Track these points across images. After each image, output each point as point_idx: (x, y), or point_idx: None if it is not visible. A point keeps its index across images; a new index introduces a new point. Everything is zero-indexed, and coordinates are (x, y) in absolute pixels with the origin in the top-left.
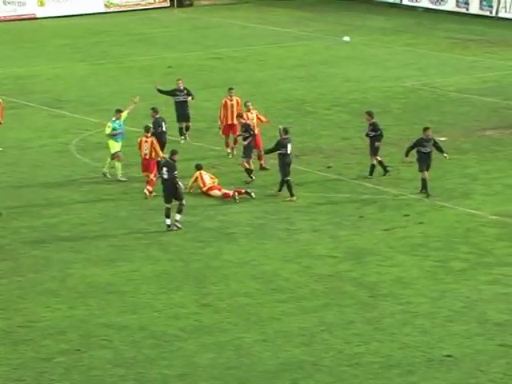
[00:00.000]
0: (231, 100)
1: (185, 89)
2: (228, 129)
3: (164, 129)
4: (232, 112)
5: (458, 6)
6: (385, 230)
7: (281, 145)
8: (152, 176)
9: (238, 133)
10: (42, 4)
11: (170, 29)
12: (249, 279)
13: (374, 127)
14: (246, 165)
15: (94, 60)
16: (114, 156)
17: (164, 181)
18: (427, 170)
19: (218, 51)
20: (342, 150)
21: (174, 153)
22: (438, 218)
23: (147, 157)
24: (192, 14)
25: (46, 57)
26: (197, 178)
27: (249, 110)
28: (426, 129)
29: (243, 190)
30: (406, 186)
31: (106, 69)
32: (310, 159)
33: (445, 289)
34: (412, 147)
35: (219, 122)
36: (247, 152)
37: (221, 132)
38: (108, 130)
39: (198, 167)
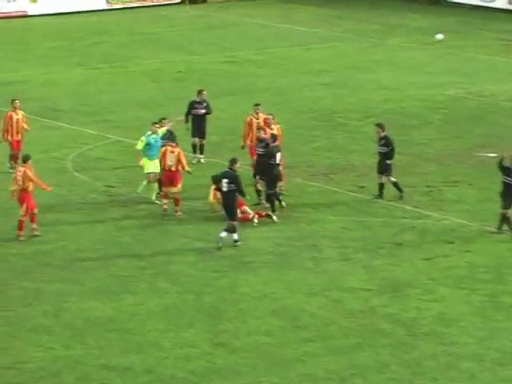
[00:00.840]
0: (257, 118)
1: (204, 101)
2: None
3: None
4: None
5: (510, 3)
6: (425, 259)
7: (269, 154)
8: (176, 190)
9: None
10: (34, 0)
11: (181, 28)
12: (269, 315)
13: (385, 142)
14: (258, 185)
15: (93, 64)
16: (148, 177)
17: (223, 194)
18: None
19: (235, 54)
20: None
21: (233, 162)
22: (486, 245)
23: (172, 168)
24: (205, 11)
25: (38, 60)
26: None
27: (269, 126)
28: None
29: (264, 213)
30: (450, 209)
31: (106, 74)
32: (339, 178)
33: (494, 327)
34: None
35: (242, 142)
36: (259, 170)
37: (249, 154)
38: (140, 146)
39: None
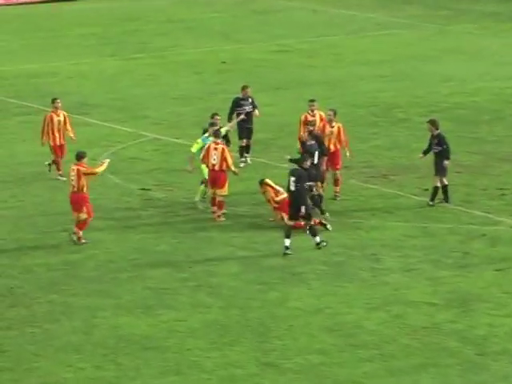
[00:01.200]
0: (313, 115)
1: (250, 97)
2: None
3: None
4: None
5: None
6: (497, 270)
7: (307, 153)
8: (221, 193)
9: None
10: None
11: (225, 14)
12: (323, 332)
13: (439, 140)
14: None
15: (128, 54)
16: (204, 181)
17: (291, 193)
18: None
19: (284, 42)
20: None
21: (304, 159)
22: None
23: (216, 167)
24: None
25: (67, 50)
26: (265, 190)
27: (330, 123)
28: None
29: (317, 220)
30: None
31: (143, 65)
32: (401, 180)
33: None
34: None
35: (299, 144)
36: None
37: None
38: (195, 149)
39: (262, 182)
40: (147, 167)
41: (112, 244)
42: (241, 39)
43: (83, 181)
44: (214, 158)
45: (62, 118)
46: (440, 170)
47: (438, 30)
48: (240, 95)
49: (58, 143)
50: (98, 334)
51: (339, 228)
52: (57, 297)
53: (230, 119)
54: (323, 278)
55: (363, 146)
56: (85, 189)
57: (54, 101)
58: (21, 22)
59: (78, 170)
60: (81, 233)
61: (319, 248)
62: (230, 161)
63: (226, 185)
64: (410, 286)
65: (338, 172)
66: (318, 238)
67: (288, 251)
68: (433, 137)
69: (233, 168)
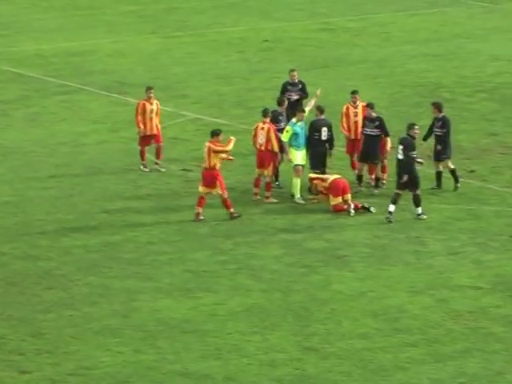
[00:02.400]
0: (355, 107)
1: (300, 82)
2: (352, 146)
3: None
4: (356, 123)
5: None
6: None
7: (313, 127)
8: (268, 175)
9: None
10: None
11: None
12: (366, 316)
13: (443, 123)
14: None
15: (168, 32)
16: (296, 169)
17: (398, 162)
18: None
19: (328, 20)
20: (489, 149)
21: (411, 127)
22: None
23: (262, 148)
24: None
25: (106, 27)
26: (313, 184)
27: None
28: None
29: (360, 205)
30: None
31: (183, 43)
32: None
33: None
34: None
35: (343, 130)
36: (365, 152)
37: (346, 148)
38: (287, 136)
39: (309, 179)
40: (188, 147)
41: (151, 226)
42: (284, 17)
43: (214, 158)
44: (261, 138)
45: (154, 107)
46: (441, 154)
47: (485, 9)
48: (289, 79)
49: (148, 132)
50: (137, 318)
51: (383, 210)
52: (95, 279)
53: (280, 104)
54: (366, 261)
55: None
56: (217, 166)
57: (147, 90)
58: (59, 0)
59: (209, 147)
60: (232, 209)
61: (419, 219)
62: (274, 141)
63: (272, 165)
64: (455, 270)
65: (384, 160)
66: (419, 209)
67: (390, 216)
68: (436, 120)
69: (276, 149)
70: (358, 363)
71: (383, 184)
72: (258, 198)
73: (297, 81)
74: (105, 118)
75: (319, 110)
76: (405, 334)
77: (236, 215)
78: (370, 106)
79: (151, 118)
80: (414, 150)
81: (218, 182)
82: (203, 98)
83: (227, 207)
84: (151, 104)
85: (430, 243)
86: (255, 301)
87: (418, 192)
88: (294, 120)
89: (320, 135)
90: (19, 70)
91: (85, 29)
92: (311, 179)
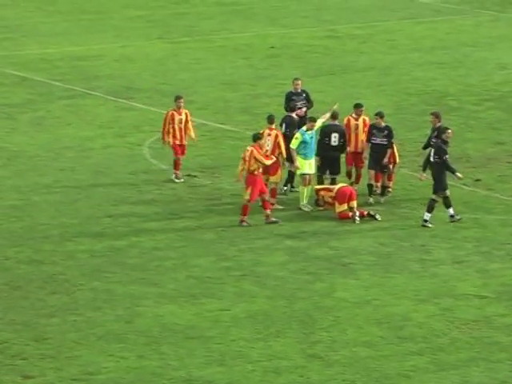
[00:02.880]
0: (356, 119)
1: (303, 92)
2: (351, 158)
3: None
4: (357, 136)
5: None
6: None
7: (323, 133)
8: (274, 180)
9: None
10: None
11: None
12: (370, 324)
13: (439, 133)
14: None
15: (176, 37)
16: (303, 179)
17: (431, 165)
18: None
19: (335, 28)
20: (496, 157)
21: (443, 131)
22: None
23: (267, 153)
24: None
25: (114, 32)
26: (320, 196)
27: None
28: None
29: (366, 212)
30: None
31: (190, 48)
32: None
33: None
34: None
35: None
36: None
37: (346, 161)
38: (295, 143)
39: (315, 191)
40: (193, 153)
41: (156, 231)
42: (290, 24)
43: (254, 164)
44: (268, 144)
45: (183, 117)
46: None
47: (492, 17)
48: (292, 89)
49: (178, 142)
50: (141, 323)
51: (388, 218)
52: (100, 284)
53: (292, 110)
54: (371, 269)
55: (414, 135)
56: (256, 171)
57: (176, 99)
58: (66, 3)
59: (251, 151)
60: (244, 217)
61: (453, 221)
62: (282, 147)
63: (279, 172)
64: (460, 279)
65: (393, 168)
66: (451, 210)
67: (426, 224)
68: (433, 130)
69: (284, 155)
70: (362, 371)
71: (389, 192)
72: (273, 205)
73: (300, 90)
74: (111, 122)
75: (333, 115)
76: (409, 343)
77: (245, 224)
78: (379, 115)
79: (180, 129)
80: (445, 154)
81: (250, 188)
82: (209, 103)
83: (243, 213)
84: (180, 114)
85: (434, 252)
86: (259, 307)
87: (447, 194)
88: (304, 128)
89: (330, 140)
90: (25, 73)
91: (91, 33)
92: (317, 190)
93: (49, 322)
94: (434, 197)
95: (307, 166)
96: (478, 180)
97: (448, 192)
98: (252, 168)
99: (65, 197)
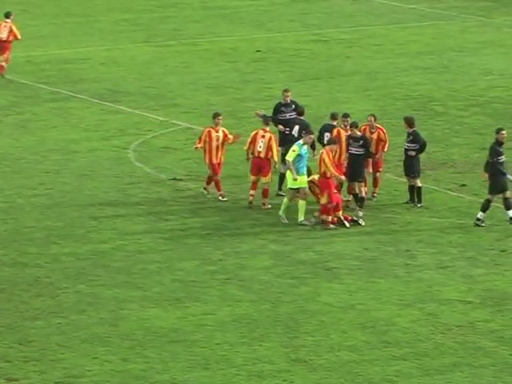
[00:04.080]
0: (346, 130)
1: (292, 102)
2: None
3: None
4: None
5: None
6: None
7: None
8: (265, 180)
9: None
10: None
11: (260, 2)
12: (354, 328)
13: (414, 138)
14: (356, 189)
15: (161, 41)
16: (290, 193)
17: (490, 166)
18: None
19: (321, 32)
20: (481, 163)
21: (497, 132)
22: None
23: (261, 155)
24: None
25: (100, 35)
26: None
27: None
28: None
29: (349, 217)
30: None
31: (175, 52)
32: (438, 174)
33: None
34: None
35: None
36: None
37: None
38: (292, 156)
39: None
40: (178, 157)
41: (141, 234)
42: (276, 28)
43: (324, 167)
44: (261, 146)
45: (221, 135)
46: (411, 168)
47: (478, 22)
48: (282, 100)
49: (214, 161)
50: (125, 326)
51: (373, 223)
52: (84, 287)
53: (275, 124)
54: (356, 274)
55: (399, 140)
56: (328, 174)
57: (215, 116)
58: (52, 6)
59: (321, 154)
60: (324, 216)
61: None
62: (274, 150)
63: (270, 172)
64: (445, 284)
65: (378, 174)
66: (510, 213)
67: (479, 223)
68: (408, 135)
69: (276, 158)
70: (345, 376)
71: (374, 197)
72: (265, 205)
73: (289, 101)
74: (96, 125)
75: (332, 116)
76: (393, 347)
77: (333, 226)
78: (354, 125)
79: (217, 147)
80: (499, 155)
81: (326, 191)
82: (195, 107)
83: (326, 213)
84: (217, 132)
85: (419, 257)
86: (244, 311)
87: (508, 195)
88: (301, 141)
89: (323, 139)
90: (10, 76)
91: (77, 36)
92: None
93: (33, 325)
94: (488, 197)
95: (302, 179)
96: (463, 185)
97: (508, 193)
98: (322, 171)
99: (50, 199)
